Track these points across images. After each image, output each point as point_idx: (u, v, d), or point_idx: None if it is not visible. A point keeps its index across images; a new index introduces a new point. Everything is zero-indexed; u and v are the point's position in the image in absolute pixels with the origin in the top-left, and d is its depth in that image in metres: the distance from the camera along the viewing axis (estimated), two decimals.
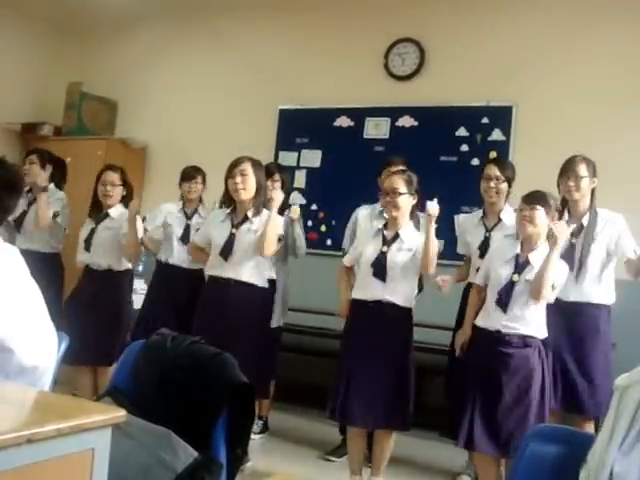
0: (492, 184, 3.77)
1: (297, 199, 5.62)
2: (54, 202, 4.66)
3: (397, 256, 3.41)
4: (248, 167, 3.67)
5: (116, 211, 4.26)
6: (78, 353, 3.72)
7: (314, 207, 5.66)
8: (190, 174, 4.44)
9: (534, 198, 3.18)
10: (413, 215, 3.55)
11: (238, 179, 3.63)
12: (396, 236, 3.45)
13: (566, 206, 3.61)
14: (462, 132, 5.25)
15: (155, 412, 1.96)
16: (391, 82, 5.56)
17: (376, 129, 5.56)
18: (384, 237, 3.47)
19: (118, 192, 4.26)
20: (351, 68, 5.64)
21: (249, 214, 3.69)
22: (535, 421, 3.01)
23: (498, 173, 3.77)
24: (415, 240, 3.44)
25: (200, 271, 4.11)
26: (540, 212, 3.13)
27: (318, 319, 4.93)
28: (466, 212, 4.99)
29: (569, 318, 3.48)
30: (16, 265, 1.89)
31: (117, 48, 6.74)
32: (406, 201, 3.45)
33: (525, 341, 3.11)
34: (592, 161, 3.58)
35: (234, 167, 3.67)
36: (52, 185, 4.75)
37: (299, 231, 4.26)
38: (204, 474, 1.87)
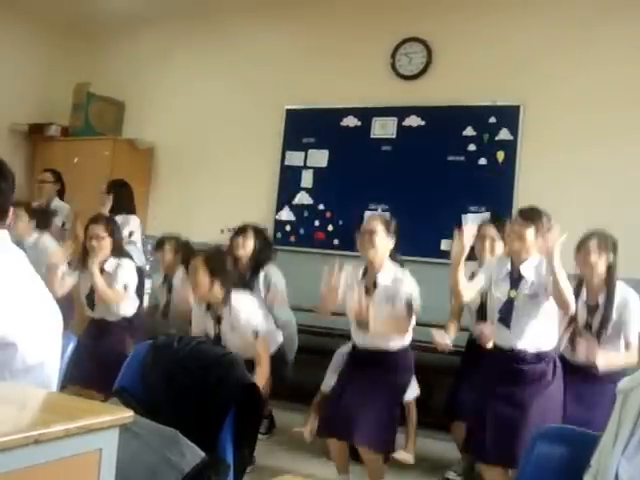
0: (487, 244, 3.70)
1: (304, 199, 5.63)
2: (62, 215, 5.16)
3: (378, 308, 3.36)
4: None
5: (110, 265, 4.03)
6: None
7: (321, 207, 5.66)
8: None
9: (528, 215, 3.11)
10: (393, 258, 3.50)
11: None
12: (374, 284, 3.42)
13: (582, 283, 3.40)
14: (469, 132, 5.23)
15: (162, 412, 1.96)
16: (398, 82, 5.55)
17: (383, 129, 5.55)
18: (366, 286, 3.44)
19: (106, 245, 4.00)
20: (358, 68, 5.63)
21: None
22: None
23: (493, 233, 3.71)
24: (394, 286, 3.40)
25: None
26: (530, 230, 3.07)
27: (324, 319, 4.91)
28: (473, 212, 5.01)
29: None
30: (21, 264, 1.90)
31: (124, 49, 6.75)
32: (383, 241, 3.41)
33: (539, 356, 3.09)
34: (608, 236, 3.33)
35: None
36: (57, 199, 5.24)
37: None
38: (211, 474, 1.87)
